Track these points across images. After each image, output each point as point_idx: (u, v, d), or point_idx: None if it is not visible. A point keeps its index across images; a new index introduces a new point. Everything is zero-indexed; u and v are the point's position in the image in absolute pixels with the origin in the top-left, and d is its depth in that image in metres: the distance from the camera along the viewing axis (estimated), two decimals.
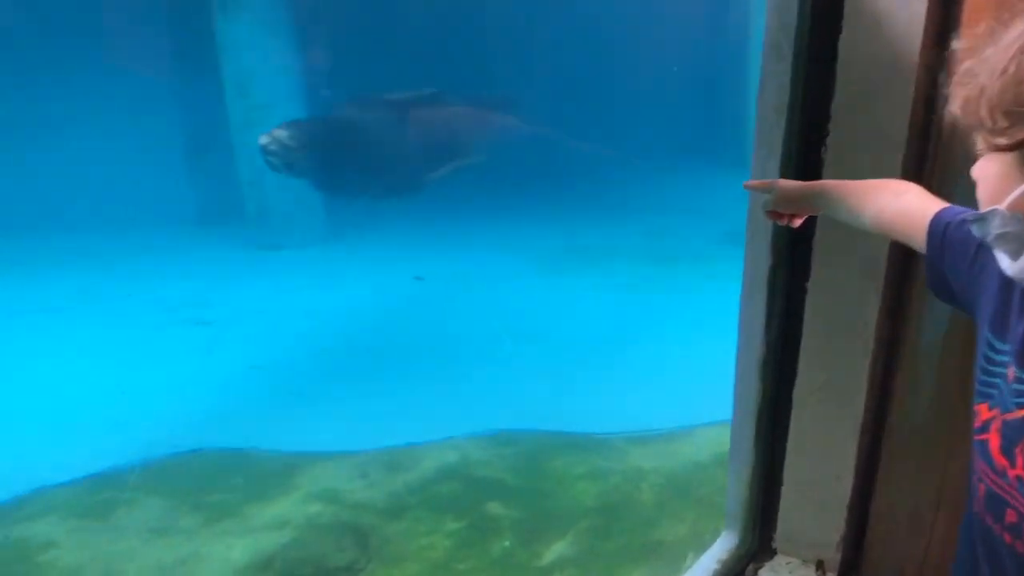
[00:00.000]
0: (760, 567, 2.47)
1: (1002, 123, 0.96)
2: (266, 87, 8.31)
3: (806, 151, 2.13)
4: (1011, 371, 1.10)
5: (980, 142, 1.02)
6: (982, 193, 1.06)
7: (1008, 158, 0.99)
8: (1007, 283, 1.13)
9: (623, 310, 6.57)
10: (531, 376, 5.44)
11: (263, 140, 6.28)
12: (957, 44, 1.14)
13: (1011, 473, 1.09)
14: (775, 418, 2.40)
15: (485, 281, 7.38)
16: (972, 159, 1.08)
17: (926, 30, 1.84)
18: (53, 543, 3.86)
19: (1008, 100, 0.94)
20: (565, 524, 3.78)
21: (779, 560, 2.48)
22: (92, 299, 7.26)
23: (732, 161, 9.57)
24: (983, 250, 1.18)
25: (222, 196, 8.83)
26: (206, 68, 8.75)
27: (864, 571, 2.41)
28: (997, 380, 1.13)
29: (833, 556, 2.38)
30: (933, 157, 1.97)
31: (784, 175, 2.08)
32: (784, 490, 2.47)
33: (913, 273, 2.06)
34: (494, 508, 3.94)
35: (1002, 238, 1.02)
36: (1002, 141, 0.97)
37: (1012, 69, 0.94)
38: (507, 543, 3.67)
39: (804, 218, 1.70)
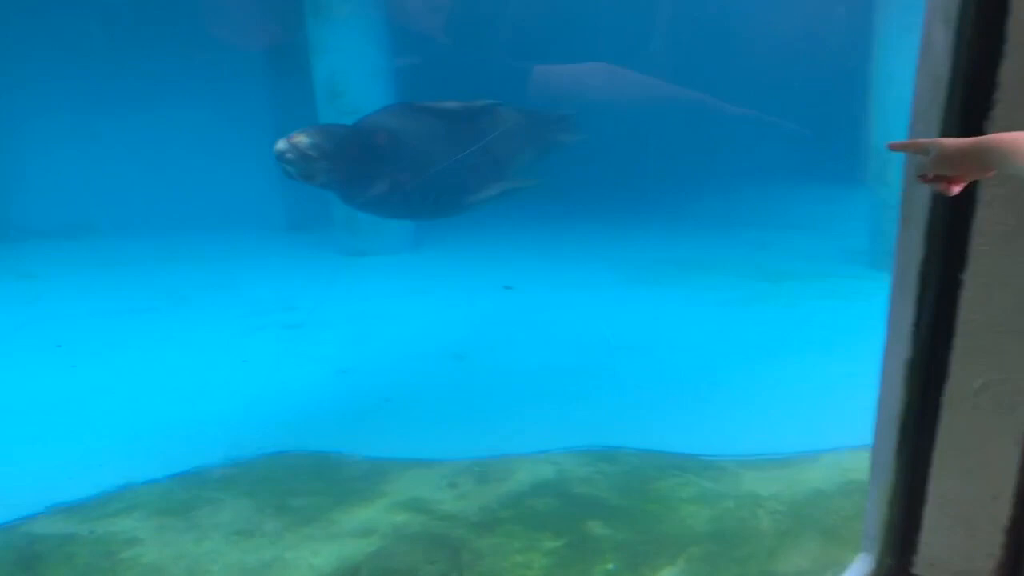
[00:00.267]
0: None
1: None
2: (357, 91, 8.44)
3: (967, 124, 1.96)
4: None
5: None
6: None
7: None
8: None
9: (730, 325, 6.34)
10: (631, 391, 5.32)
11: (280, 146, 5.52)
12: None
13: None
14: (921, 427, 2.21)
15: (578, 291, 7.28)
16: None
17: None
18: (137, 540, 3.91)
19: None
20: (674, 549, 3.62)
21: None
22: (182, 300, 7.50)
23: (844, 176, 9.27)
24: None
25: (311, 201, 8.97)
26: (297, 71, 8.92)
27: None
28: None
29: None
30: None
31: None
32: (928, 509, 2.28)
33: None
34: (595, 528, 3.81)
35: None
36: None
37: None
38: (611, 566, 3.53)
39: (963, 184, 1.54)
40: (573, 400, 5.21)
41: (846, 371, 5.09)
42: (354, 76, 8.57)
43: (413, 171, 5.63)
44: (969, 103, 1.94)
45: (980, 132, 1.96)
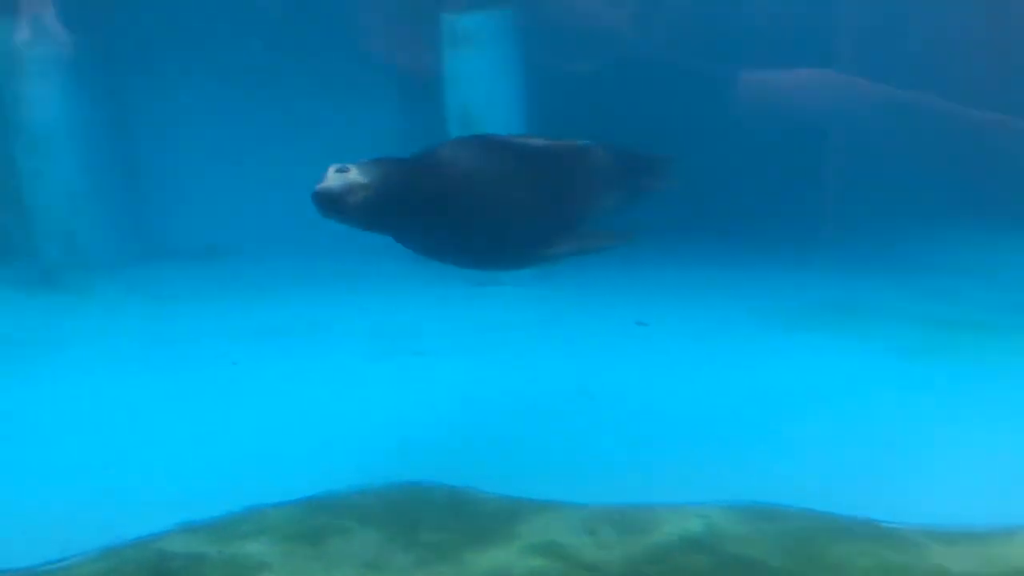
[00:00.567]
0: None
1: None
2: (490, 123, 8.35)
3: None
4: None
5: None
6: None
7: None
8: None
9: (901, 380, 5.81)
10: (788, 444, 4.94)
11: (322, 186, 4.19)
12: None
13: None
14: None
15: (719, 331, 6.91)
16: None
17: None
18: (265, 565, 3.86)
19: None
20: None
21: None
22: (310, 323, 7.52)
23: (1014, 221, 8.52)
24: None
25: None
26: (431, 99, 8.92)
27: None
28: None
29: None
30: None
31: None
32: None
33: None
34: None
35: None
36: None
37: None
38: None
39: None
40: (720, 449, 4.88)
41: None
42: (489, 105, 8.52)
43: (478, 215, 4.62)
44: None
45: None
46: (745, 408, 5.44)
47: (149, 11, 9.29)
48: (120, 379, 6.26)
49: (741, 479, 4.45)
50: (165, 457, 5.02)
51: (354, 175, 4.03)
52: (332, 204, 4.10)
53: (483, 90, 8.57)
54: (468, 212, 4.54)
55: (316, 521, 4.18)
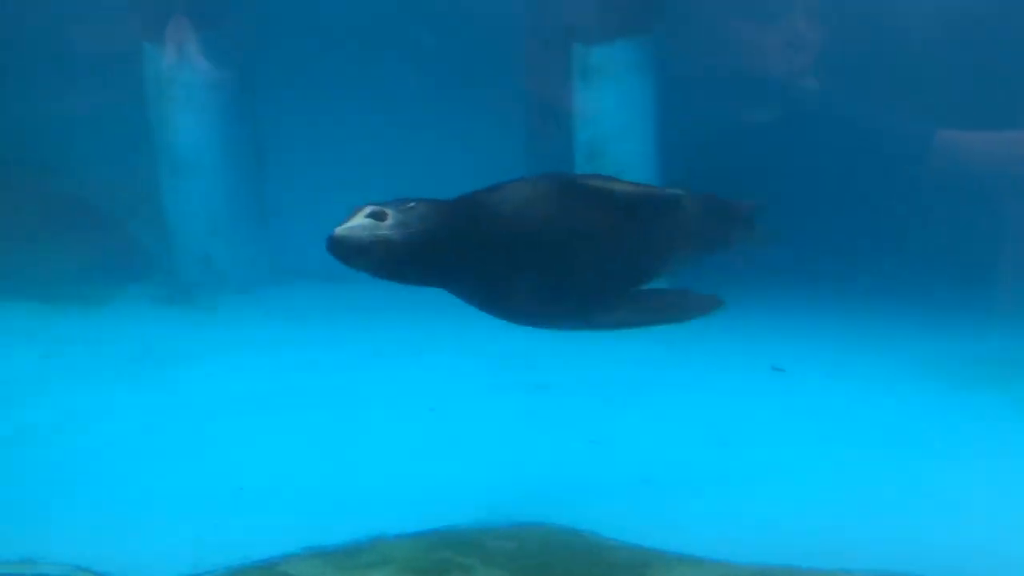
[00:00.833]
0: None
1: None
2: (617, 157, 8.20)
3: None
4: None
5: None
6: None
7: None
8: None
9: None
10: (950, 511, 4.57)
11: (346, 231, 3.56)
12: None
13: None
14: None
15: (868, 385, 6.45)
16: None
17: None
18: None
19: None
20: None
21: None
22: (425, 348, 7.49)
23: None
24: None
25: None
26: (559, 133, 8.84)
27: None
28: None
29: None
30: None
31: None
32: None
33: None
34: None
35: None
36: None
37: None
38: None
39: None
40: (869, 512, 4.57)
41: None
42: (616, 142, 8.38)
43: (538, 266, 3.97)
44: None
45: None
46: (898, 470, 5.09)
47: (294, 37, 9.56)
48: (252, 397, 6.36)
49: (893, 548, 4.13)
50: (293, 477, 5.07)
51: (387, 225, 3.45)
52: (351, 254, 3.48)
53: (611, 123, 8.44)
54: (517, 265, 3.91)
55: (439, 555, 4.12)
